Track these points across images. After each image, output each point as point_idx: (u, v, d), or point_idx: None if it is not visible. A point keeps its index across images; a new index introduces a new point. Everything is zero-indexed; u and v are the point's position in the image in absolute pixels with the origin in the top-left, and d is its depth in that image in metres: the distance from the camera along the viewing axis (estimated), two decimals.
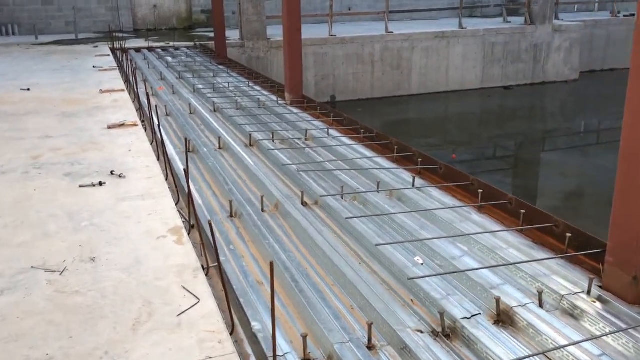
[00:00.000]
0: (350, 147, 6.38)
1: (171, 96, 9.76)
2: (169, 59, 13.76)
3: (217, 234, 4.27)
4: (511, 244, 4.02)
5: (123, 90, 9.25)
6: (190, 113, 8.50)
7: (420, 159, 5.63)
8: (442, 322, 3.10)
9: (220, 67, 12.59)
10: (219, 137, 6.83)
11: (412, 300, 3.44)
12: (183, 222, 4.40)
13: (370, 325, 3.03)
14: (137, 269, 3.55)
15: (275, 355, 2.50)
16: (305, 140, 6.84)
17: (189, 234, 4.21)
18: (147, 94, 7.90)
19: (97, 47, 15.49)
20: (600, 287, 3.41)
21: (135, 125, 7.05)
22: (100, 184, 5.01)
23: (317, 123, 7.54)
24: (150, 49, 15.41)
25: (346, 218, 4.28)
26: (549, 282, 3.49)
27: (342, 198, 4.98)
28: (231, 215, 4.76)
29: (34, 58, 13.53)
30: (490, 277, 3.59)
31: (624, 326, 3.06)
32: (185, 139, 4.60)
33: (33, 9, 19.37)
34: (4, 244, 3.91)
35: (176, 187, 5.14)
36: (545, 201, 9.75)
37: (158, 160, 5.87)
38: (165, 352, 2.77)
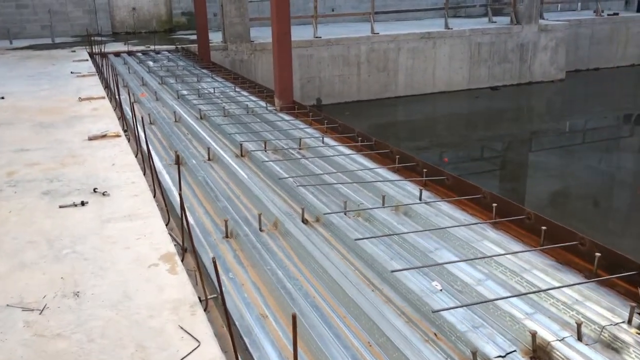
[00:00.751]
0: (348, 157, 6.03)
1: (154, 103, 9.33)
2: (150, 63, 13.30)
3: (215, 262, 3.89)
4: (535, 265, 3.70)
5: (103, 98, 8.80)
6: (175, 121, 8.09)
7: (425, 169, 5.30)
8: None
9: (204, 71, 12.17)
10: (208, 148, 6.44)
11: (435, 335, 3.10)
12: (174, 245, 4.02)
13: None
14: (127, 305, 3.16)
15: None
16: (300, 149, 6.48)
17: (182, 260, 3.83)
18: (130, 102, 7.46)
19: (74, 51, 14.95)
20: None
21: (118, 136, 6.63)
22: (82, 203, 4.60)
23: (310, 130, 7.18)
24: (130, 53, 14.92)
25: (355, 240, 3.93)
26: (584, 310, 3.17)
27: (346, 214, 4.62)
28: (227, 236, 4.38)
29: (8, 64, 12.98)
30: (518, 305, 3.26)
31: None
32: (177, 156, 4.21)
33: (6, 12, 18.72)
34: None
35: (165, 204, 4.75)
36: (541, 204, 9.49)
37: (144, 174, 5.47)
38: None
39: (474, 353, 2.77)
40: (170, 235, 4.11)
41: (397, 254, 3.93)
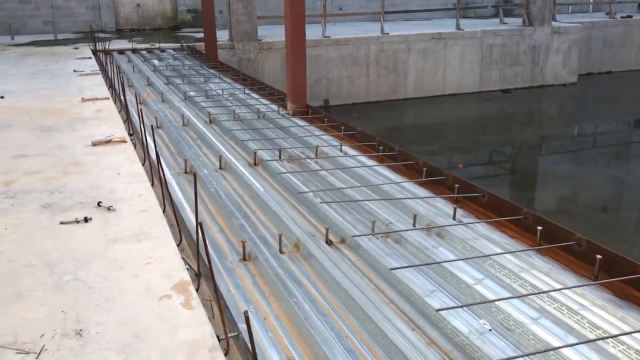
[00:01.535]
0: (371, 168, 5.62)
1: (160, 105, 8.92)
2: (155, 61, 12.88)
3: (232, 291, 3.49)
4: (593, 302, 3.29)
5: (107, 99, 8.39)
6: (184, 125, 7.68)
7: (457, 185, 4.88)
8: None
9: (212, 71, 11.75)
10: (220, 156, 6.03)
11: None
12: (187, 269, 3.62)
13: None
14: (136, 349, 2.76)
15: None
16: (317, 158, 6.07)
17: (197, 289, 3.43)
18: (137, 104, 7.06)
19: (77, 48, 14.54)
20: None
21: (124, 141, 6.22)
22: (86, 219, 4.19)
23: (327, 138, 6.77)
24: (134, 51, 14.50)
25: (391, 269, 3.52)
26: None
27: (374, 235, 4.22)
28: (244, 259, 3.98)
29: (9, 61, 12.57)
30: (584, 352, 2.86)
31: None
32: (193, 175, 3.79)
33: (8, 7, 18.30)
34: None
35: (177, 221, 4.34)
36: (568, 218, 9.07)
37: (152, 185, 5.07)
38: None
39: None
40: (183, 259, 3.71)
41: (437, 286, 3.52)
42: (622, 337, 2.92)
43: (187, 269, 3.62)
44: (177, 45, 15.46)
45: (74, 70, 10.83)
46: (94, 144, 6.09)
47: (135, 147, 6.22)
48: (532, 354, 2.82)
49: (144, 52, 14.51)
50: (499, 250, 3.89)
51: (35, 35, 17.71)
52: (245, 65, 15.32)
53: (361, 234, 4.09)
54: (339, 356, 2.88)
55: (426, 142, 14.43)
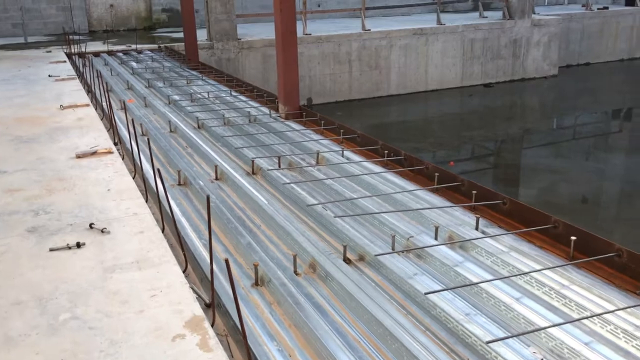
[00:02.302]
0: (379, 175, 5.29)
1: (144, 110, 8.48)
2: (134, 64, 12.38)
3: (251, 324, 3.13)
4: None
5: (88, 105, 7.93)
6: (171, 131, 7.27)
7: (474, 191, 4.59)
8: None
9: (193, 72, 11.31)
10: (215, 166, 5.65)
11: None
12: (197, 298, 3.25)
13: None
14: None
15: None
16: (318, 165, 5.73)
17: (212, 324, 3.07)
18: (125, 111, 6.63)
19: (50, 52, 13.94)
20: None
21: (110, 152, 5.81)
22: (78, 245, 3.79)
23: (326, 142, 6.43)
24: (110, 53, 13.96)
25: (426, 294, 3.19)
26: None
27: (394, 250, 3.90)
28: (256, 283, 3.63)
29: None
30: None
31: None
32: (208, 202, 3.42)
33: None
34: None
35: (180, 242, 3.96)
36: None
37: (146, 201, 4.68)
38: None
39: None
40: (192, 289, 3.34)
41: (476, 311, 3.21)
42: None
43: (197, 298, 3.26)
44: (154, 46, 14.97)
45: (49, 75, 10.31)
46: (78, 156, 5.66)
47: (123, 158, 5.82)
48: None
49: (120, 54, 13.99)
50: (532, 264, 3.61)
51: (4, 39, 17.01)
52: (225, 65, 14.88)
53: (383, 252, 3.76)
54: None
55: (412, 139, 14.17)
